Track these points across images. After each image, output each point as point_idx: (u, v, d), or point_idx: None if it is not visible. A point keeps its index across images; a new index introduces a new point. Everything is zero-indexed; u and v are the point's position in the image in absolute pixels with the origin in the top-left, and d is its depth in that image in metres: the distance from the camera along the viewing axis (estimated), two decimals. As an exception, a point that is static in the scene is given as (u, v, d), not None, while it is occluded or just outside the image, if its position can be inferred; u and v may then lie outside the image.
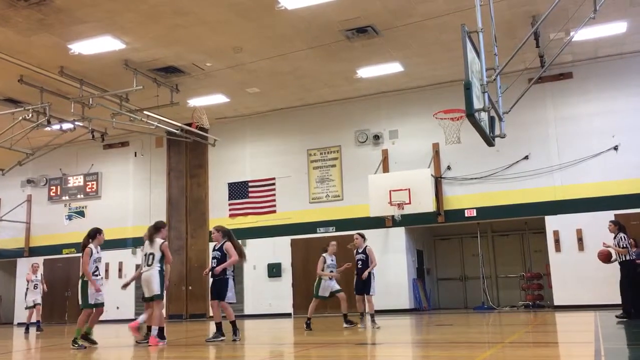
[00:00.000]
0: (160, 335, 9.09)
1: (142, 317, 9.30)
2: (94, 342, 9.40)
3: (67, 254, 21.37)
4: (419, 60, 15.76)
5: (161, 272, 9.07)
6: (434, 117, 15.69)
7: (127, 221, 20.95)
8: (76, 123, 16.66)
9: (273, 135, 19.47)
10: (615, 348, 7.18)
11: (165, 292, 9.20)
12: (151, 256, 9.06)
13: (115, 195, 21.32)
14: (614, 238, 11.32)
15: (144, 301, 9.46)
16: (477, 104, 7.63)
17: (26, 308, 15.90)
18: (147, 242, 9.26)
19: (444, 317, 14.55)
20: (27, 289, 15.82)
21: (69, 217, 21.88)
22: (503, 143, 11.23)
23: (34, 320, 15.82)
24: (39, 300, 15.73)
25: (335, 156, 18.62)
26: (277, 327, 12.53)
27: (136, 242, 20.63)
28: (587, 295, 15.04)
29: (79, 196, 21.78)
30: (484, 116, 8.21)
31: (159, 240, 9.14)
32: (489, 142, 8.87)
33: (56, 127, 17.16)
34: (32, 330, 15.60)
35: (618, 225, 11.41)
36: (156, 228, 9.28)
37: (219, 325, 9.32)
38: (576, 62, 16.26)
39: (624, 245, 11.12)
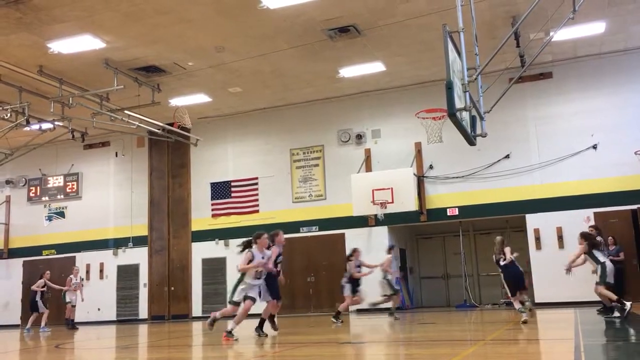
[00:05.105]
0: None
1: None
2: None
3: (47, 255, 21.08)
4: (401, 60, 15.82)
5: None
6: (416, 116, 15.76)
7: (108, 222, 20.74)
8: (56, 123, 16.46)
9: (255, 135, 19.42)
10: (595, 344, 7.27)
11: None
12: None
13: (95, 195, 21.09)
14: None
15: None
16: (459, 103, 7.66)
17: (68, 304, 17.19)
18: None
19: (427, 315, 14.63)
20: (66, 290, 17.05)
21: (49, 218, 21.59)
22: (484, 142, 11.27)
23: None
24: (75, 302, 17.16)
25: (318, 156, 18.62)
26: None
27: (117, 243, 20.47)
28: (567, 293, 15.18)
29: (59, 197, 21.51)
30: (465, 115, 8.25)
31: (267, 252, 11.01)
32: (471, 141, 8.92)
33: (35, 126, 16.97)
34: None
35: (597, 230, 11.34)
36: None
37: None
38: (556, 62, 16.44)
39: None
